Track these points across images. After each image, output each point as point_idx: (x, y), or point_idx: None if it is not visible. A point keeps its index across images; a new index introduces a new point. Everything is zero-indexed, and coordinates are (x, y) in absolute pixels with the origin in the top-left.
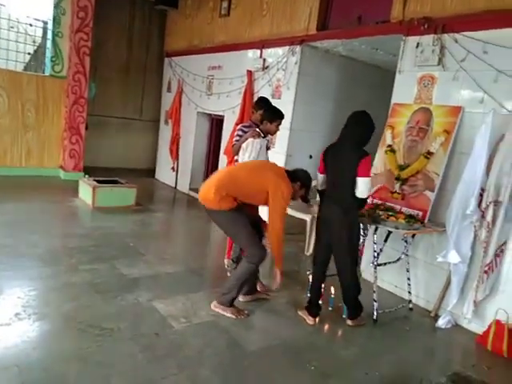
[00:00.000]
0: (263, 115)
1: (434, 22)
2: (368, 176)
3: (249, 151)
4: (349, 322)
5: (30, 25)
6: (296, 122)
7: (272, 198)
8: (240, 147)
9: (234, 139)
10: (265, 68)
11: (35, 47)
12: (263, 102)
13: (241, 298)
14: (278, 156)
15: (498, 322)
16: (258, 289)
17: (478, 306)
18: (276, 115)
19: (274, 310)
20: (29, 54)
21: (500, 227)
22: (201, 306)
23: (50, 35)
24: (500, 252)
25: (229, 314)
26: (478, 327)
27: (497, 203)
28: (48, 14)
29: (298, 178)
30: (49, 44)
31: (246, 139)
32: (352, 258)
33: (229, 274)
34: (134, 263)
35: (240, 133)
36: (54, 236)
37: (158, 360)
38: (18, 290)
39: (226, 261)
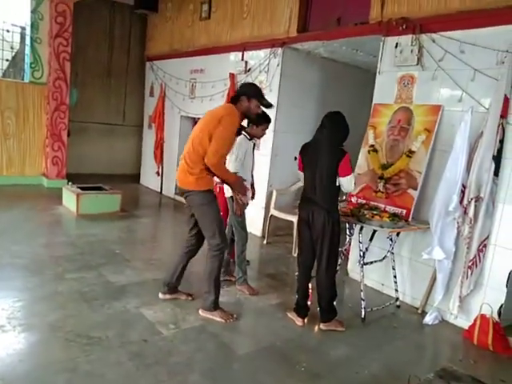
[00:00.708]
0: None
1: (412, 22)
2: (350, 173)
3: (235, 153)
4: (321, 326)
5: (7, 30)
6: (280, 124)
7: (216, 132)
8: None
9: None
10: (247, 71)
11: (13, 53)
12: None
13: (160, 295)
14: (263, 158)
15: (482, 317)
16: (246, 291)
17: (464, 302)
18: (262, 119)
19: (263, 312)
20: (6, 60)
21: (482, 223)
22: (189, 311)
23: (28, 41)
24: (483, 247)
25: (218, 319)
26: (464, 322)
27: (478, 199)
28: (25, 19)
29: (240, 94)
30: (27, 50)
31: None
32: (332, 259)
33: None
34: (121, 270)
35: None
36: (39, 245)
37: (147, 367)
38: (1, 302)
39: None
